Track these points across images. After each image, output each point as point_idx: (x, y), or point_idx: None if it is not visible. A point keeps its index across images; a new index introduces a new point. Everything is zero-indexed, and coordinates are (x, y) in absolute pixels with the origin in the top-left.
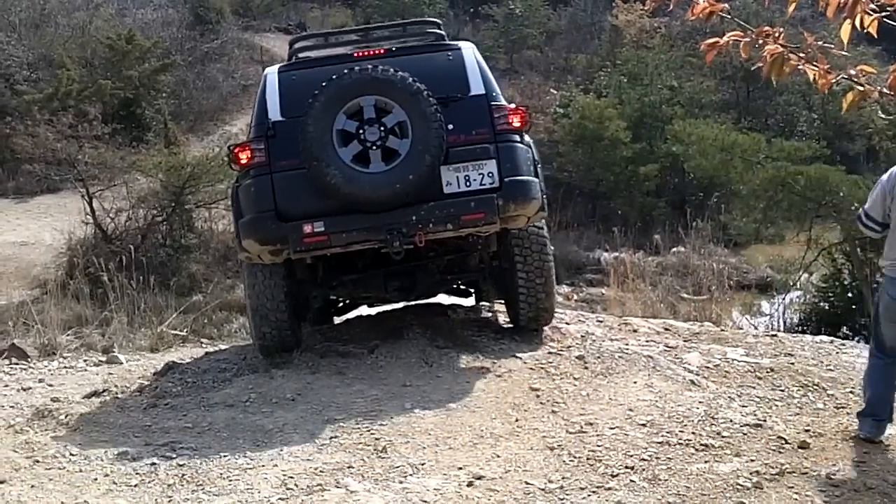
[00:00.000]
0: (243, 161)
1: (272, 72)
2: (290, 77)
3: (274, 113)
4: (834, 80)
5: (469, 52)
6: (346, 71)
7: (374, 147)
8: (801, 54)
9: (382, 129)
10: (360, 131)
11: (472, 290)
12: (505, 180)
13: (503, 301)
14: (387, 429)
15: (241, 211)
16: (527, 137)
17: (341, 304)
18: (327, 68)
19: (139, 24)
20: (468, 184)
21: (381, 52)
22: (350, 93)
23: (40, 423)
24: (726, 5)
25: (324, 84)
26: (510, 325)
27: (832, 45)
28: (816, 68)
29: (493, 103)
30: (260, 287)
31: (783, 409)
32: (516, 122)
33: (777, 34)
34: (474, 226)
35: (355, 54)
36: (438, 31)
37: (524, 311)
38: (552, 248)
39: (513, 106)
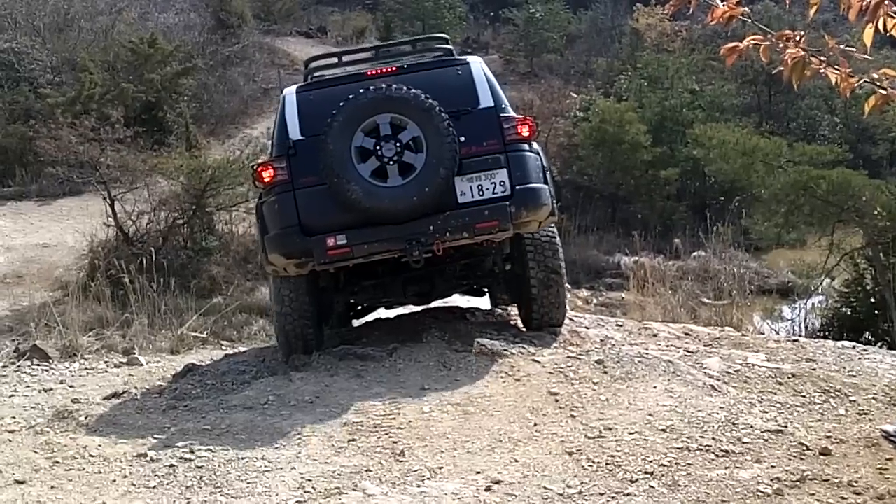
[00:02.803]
0: (266, 179)
1: (290, 92)
2: (307, 97)
3: (294, 132)
4: (856, 84)
5: (477, 66)
6: (361, 90)
7: (391, 162)
8: (823, 58)
9: (398, 144)
10: (378, 147)
11: (486, 290)
12: (516, 188)
13: (516, 304)
14: (405, 432)
15: (266, 227)
16: (535, 146)
17: (360, 308)
18: (343, 87)
19: (161, 28)
20: (481, 193)
21: (394, 69)
22: (366, 111)
23: (60, 424)
24: (746, 9)
25: (341, 104)
26: (529, 329)
27: (854, 49)
28: (838, 72)
29: (501, 115)
30: (285, 295)
31: (805, 415)
32: (525, 132)
33: (798, 38)
34: (489, 233)
35: (368, 73)
36: (447, 46)
37: (536, 314)
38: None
39: (521, 116)
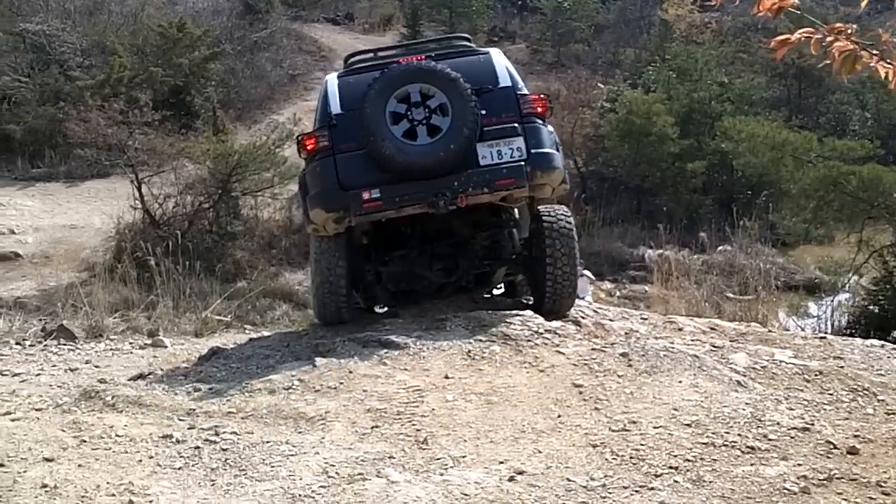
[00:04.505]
0: (310, 148)
1: (332, 77)
2: (346, 80)
3: (335, 107)
4: None
5: (497, 55)
6: (395, 64)
7: (421, 124)
8: (875, 52)
9: (427, 109)
10: (409, 112)
11: (504, 290)
12: (531, 152)
13: (529, 286)
14: (428, 420)
15: (308, 189)
16: (549, 126)
17: (383, 312)
18: (377, 73)
19: (190, 12)
20: (500, 157)
21: (422, 58)
22: (399, 81)
23: (87, 403)
24: (796, 0)
25: (377, 76)
26: (554, 321)
27: None
28: (890, 66)
29: (518, 92)
30: (323, 258)
31: (832, 414)
32: (539, 108)
33: (849, 31)
34: (506, 189)
35: (400, 61)
36: (470, 44)
37: (549, 297)
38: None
39: (536, 94)
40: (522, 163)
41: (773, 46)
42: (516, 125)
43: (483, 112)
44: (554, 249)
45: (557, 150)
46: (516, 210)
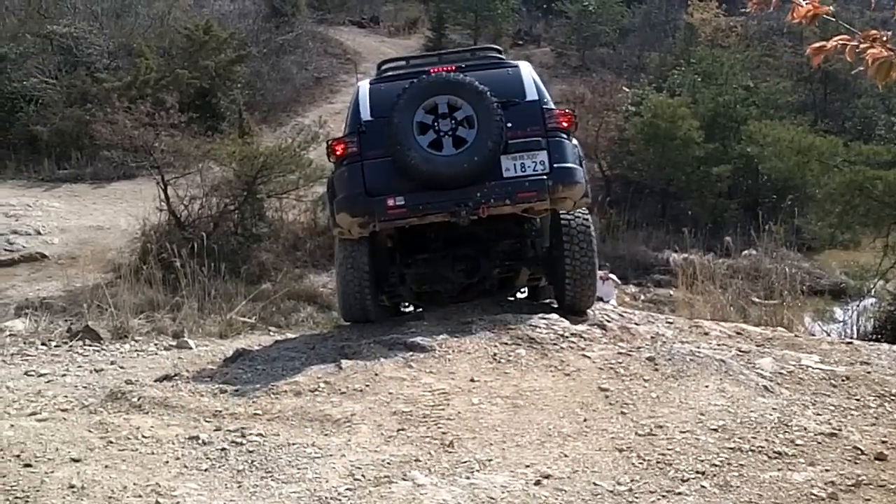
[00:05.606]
0: (339, 153)
1: (364, 84)
2: (378, 87)
3: (365, 114)
4: None
5: (525, 68)
6: (424, 76)
7: (447, 135)
8: None
9: (453, 121)
10: (435, 123)
11: (527, 294)
12: (554, 166)
13: (550, 284)
14: (454, 423)
15: (335, 193)
16: (574, 140)
17: (409, 313)
18: (407, 80)
19: (216, 15)
20: (524, 170)
21: (453, 68)
22: (427, 93)
23: (114, 404)
24: (831, 8)
25: (406, 86)
26: (580, 324)
27: None
28: None
29: (544, 106)
30: (348, 260)
31: (859, 419)
32: (564, 123)
33: (884, 38)
34: (528, 202)
35: (431, 71)
36: (500, 55)
37: (569, 292)
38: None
39: (562, 110)
40: (545, 176)
41: (809, 54)
42: (540, 139)
43: (509, 125)
44: (572, 245)
45: (580, 164)
46: (538, 219)
